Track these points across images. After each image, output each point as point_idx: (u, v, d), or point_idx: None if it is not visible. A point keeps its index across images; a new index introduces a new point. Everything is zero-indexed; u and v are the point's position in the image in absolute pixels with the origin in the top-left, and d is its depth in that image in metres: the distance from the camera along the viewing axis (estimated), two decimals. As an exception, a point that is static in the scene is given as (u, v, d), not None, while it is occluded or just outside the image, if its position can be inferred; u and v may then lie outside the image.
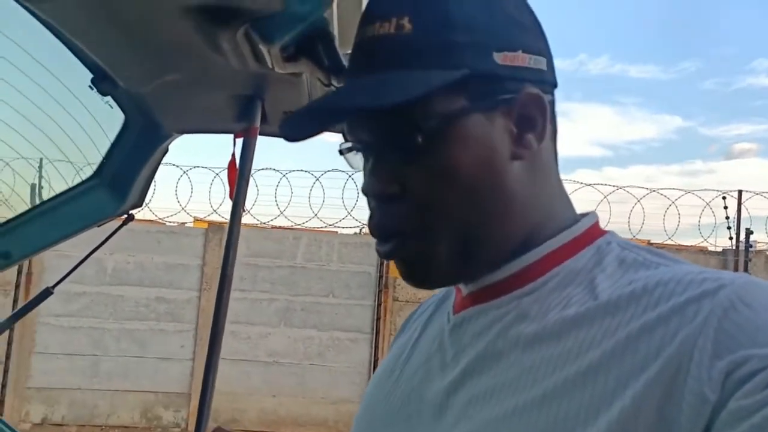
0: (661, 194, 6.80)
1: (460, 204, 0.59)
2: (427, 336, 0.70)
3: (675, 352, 0.48)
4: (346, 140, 0.65)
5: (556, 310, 0.57)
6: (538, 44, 0.62)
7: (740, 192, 6.75)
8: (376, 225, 0.62)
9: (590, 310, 0.55)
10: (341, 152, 0.66)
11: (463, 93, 0.58)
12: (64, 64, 1.16)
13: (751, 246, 6.72)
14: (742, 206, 6.73)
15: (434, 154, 0.58)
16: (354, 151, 0.65)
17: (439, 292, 0.81)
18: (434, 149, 0.58)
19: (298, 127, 0.63)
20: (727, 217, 6.74)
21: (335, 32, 0.88)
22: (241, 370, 6.20)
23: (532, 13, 0.64)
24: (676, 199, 6.72)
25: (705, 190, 6.83)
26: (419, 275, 0.62)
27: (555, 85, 0.65)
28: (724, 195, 6.74)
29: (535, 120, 0.61)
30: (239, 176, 1.23)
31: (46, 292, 1.43)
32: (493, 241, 0.61)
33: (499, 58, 0.58)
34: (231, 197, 1.23)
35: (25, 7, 0.89)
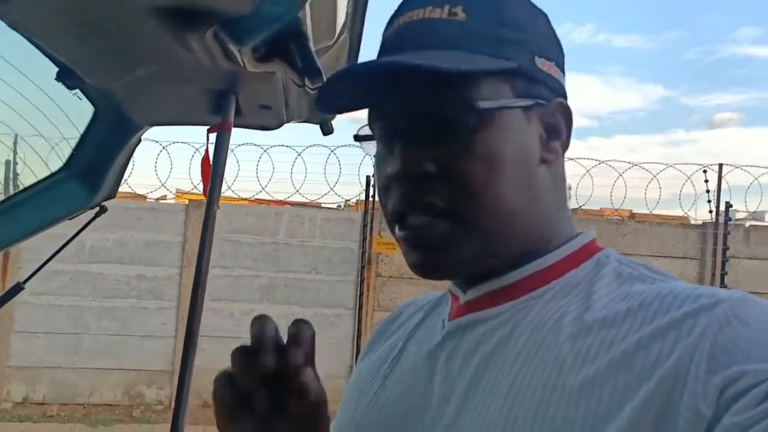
0: (643, 168, 6.84)
1: (496, 192, 0.59)
2: (416, 342, 0.70)
3: (672, 367, 0.49)
4: (369, 125, 0.65)
5: (552, 321, 0.58)
6: (562, 60, 0.66)
7: (720, 165, 6.81)
8: (403, 201, 0.61)
9: (586, 322, 0.55)
10: (358, 138, 0.67)
11: (510, 86, 0.60)
12: (30, 54, 1.12)
13: (730, 219, 6.79)
14: (723, 179, 6.79)
15: (479, 138, 0.59)
16: (370, 141, 0.65)
17: (419, 297, 0.81)
18: (480, 133, 0.59)
19: (339, 96, 0.63)
20: (708, 191, 6.80)
21: (309, 32, 0.84)
22: (224, 347, 6.19)
23: (556, 34, 0.67)
24: (657, 173, 6.76)
25: (686, 163, 6.90)
26: (437, 259, 0.61)
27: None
28: (705, 168, 6.79)
29: (561, 129, 0.64)
30: (213, 171, 1.20)
31: (17, 288, 1.40)
32: (514, 237, 0.61)
33: (540, 63, 0.62)
34: (205, 193, 1.20)
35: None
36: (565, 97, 0.65)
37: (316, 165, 6.63)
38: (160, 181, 6.50)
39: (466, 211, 0.59)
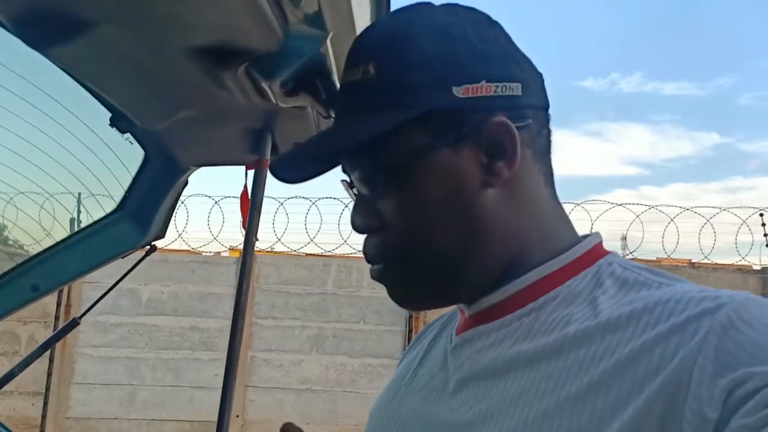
0: (696, 212, 6.69)
1: (433, 234, 0.62)
2: (430, 356, 0.72)
3: (675, 370, 0.49)
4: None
5: (558, 329, 0.58)
6: (508, 71, 0.62)
7: (777, 208, 6.59)
8: (364, 252, 0.66)
9: (591, 328, 0.56)
10: (344, 187, 0.71)
11: (427, 130, 0.61)
12: (85, 103, 1.23)
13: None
14: (780, 222, 6.56)
15: (403, 189, 0.62)
16: (352, 188, 0.70)
17: (445, 313, 0.82)
18: (402, 184, 0.62)
19: (288, 170, 0.68)
20: (766, 235, 6.58)
21: (332, 66, 0.92)
22: (274, 398, 6.23)
23: (502, 39, 0.65)
24: (711, 217, 6.59)
25: (741, 207, 6.69)
26: (402, 297, 0.67)
27: (542, 106, 0.66)
28: (762, 212, 6.59)
29: (504, 147, 0.61)
30: (251, 206, 1.27)
31: (73, 323, 1.49)
32: (472, 267, 0.63)
33: (459, 91, 0.60)
34: (244, 227, 1.27)
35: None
36: (515, 107, 0.62)
37: (363, 216, 6.67)
38: (212, 234, 6.70)
39: (411, 257, 0.63)
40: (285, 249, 6.72)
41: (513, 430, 0.55)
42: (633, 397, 0.49)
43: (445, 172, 0.61)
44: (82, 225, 1.61)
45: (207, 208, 6.65)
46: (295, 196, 6.64)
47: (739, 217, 6.58)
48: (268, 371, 6.21)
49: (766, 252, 6.59)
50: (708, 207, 6.73)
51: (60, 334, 1.47)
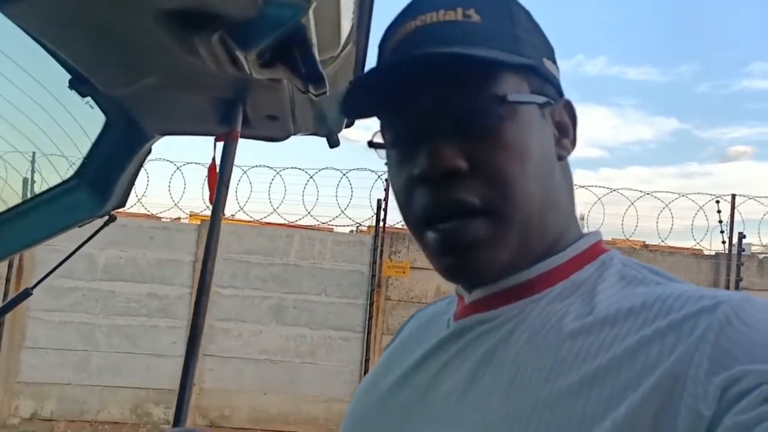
0: (655, 197, 6.81)
1: (528, 187, 0.59)
2: (423, 341, 0.70)
3: (671, 367, 0.49)
4: (382, 131, 0.66)
5: (554, 320, 0.58)
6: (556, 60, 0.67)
7: (734, 196, 6.76)
8: (434, 202, 0.60)
9: (587, 322, 0.56)
10: (371, 144, 0.66)
11: (527, 83, 0.61)
12: (45, 64, 1.15)
13: (743, 250, 6.73)
14: (736, 210, 6.74)
15: (509, 132, 0.59)
16: (388, 146, 0.65)
17: (434, 302, 0.82)
18: (509, 127, 0.59)
19: (363, 100, 0.64)
20: (720, 221, 6.75)
21: (313, 38, 0.86)
22: (232, 367, 6.19)
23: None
24: (669, 202, 6.72)
25: (699, 193, 6.86)
26: (473, 262, 0.60)
27: None
28: (718, 199, 6.75)
29: (569, 127, 0.66)
30: (219, 179, 1.21)
31: (25, 293, 1.42)
32: (545, 230, 0.62)
33: (546, 63, 0.64)
34: (211, 201, 1.22)
35: None
36: (562, 94, 0.68)
37: (328, 188, 6.64)
38: (173, 200, 6.56)
39: (501, 208, 0.59)
40: (247, 218, 6.63)
41: (504, 419, 0.54)
42: (628, 392, 0.49)
43: (540, 129, 0.62)
44: (36, 189, 1.53)
45: (168, 173, 6.51)
46: (259, 165, 6.54)
47: (696, 203, 6.74)
48: (227, 341, 6.16)
49: (720, 238, 6.76)
50: (667, 192, 6.86)
51: (10, 305, 1.40)
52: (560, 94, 0.66)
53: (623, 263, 0.63)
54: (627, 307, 0.55)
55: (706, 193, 6.81)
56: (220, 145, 1.22)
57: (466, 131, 0.59)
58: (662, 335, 0.51)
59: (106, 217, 1.51)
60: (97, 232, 1.46)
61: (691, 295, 0.53)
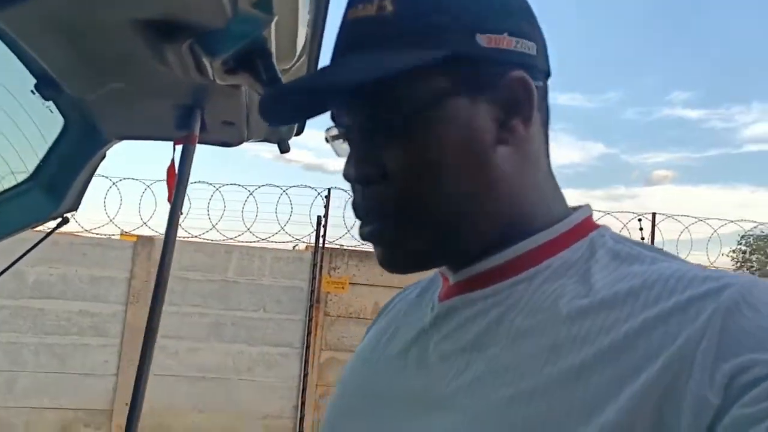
0: (583, 215, 7.13)
1: (441, 188, 0.57)
2: (409, 323, 0.68)
3: (676, 353, 0.47)
4: (334, 124, 0.63)
5: (549, 302, 0.56)
6: (526, 28, 0.60)
7: (654, 214, 7.17)
8: (356, 206, 0.61)
9: (585, 303, 0.53)
10: (327, 139, 0.64)
11: (447, 75, 0.57)
12: (1, 67, 1.20)
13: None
14: (656, 228, 7.14)
15: (416, 136, 0.57)
16: (341, 139, 0.63)
17: (422, 278, 0.78)
18: (416, 131, 0.57)
19: (278, 109, 0.62)
20: (643, 239, 7.14)
21: (273, 48, 0.97)
22: (167, 385, 6.08)
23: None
24: (597, 220, 7.05)
25: (622, 212, 7.24)
26: (396, 260, 0.61)
27: (548, 74, 0.64)
28: (640, 217, 7.14)
29: (521, 104, 0.59)
30: (178, 181, 1.29)
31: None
32: (475, 228, 0.59)
33: (483, 40, 0.57)
34: (169, 200, 1.29)
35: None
36: (530, 66, 0.60)
37: (268, 204, 6.67)
38: (108, 216, 6.44)
39: (414, 214, 0.58)
40: (186, 234, 6.58)
41: (498, 406, 0.52)
42: (630, 378, 0.47)
43: (461, 123, 0.57)
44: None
45: (104, 188, 6.39)
46: (199, 181, 6.51)
47: (621, 221, 7.11)
48: (163, 358, 6.05)
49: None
50: (594, 211, 7.20)
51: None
52: (520, 63, 0.59)
53: (615, 240, 0.60)
54: (626, 288, 0.52)
55: (629, 212, 7.21)
56: (179, 149, 1.30)
57: (372, 141, 0.59)
58: (665, 319, 0.49)
59: (59, 220, 1.55)
60: (51, 232, 1.50)
61: (695, 275, 0.51)
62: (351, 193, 0.63)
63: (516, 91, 0.59)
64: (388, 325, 0.72)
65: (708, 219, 7.10)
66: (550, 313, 0.55)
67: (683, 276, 0.51)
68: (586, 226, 0.63)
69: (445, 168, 0.57)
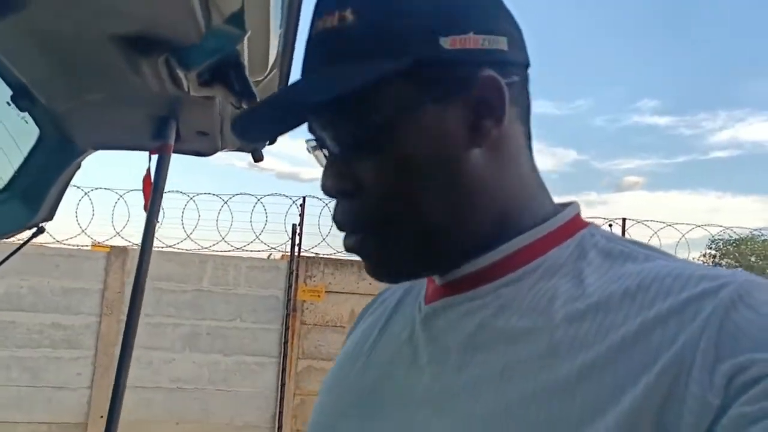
0: (555, 221, 7.24)
1: (416, 197, 0.57)
2: (395, 324, 0.68)
3: (675, 354, 0.46)
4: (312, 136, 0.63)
5: (543, 304, 0.55)
6: (495, 24, 0.58)
7: (624, 219, 7.32)
8: (335, 221, 0.61)
9: (580, 306, 0.53)
10: (309, 149, 0.64)
11: (412, 82, 0.56)
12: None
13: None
14: (626, 233, 7.29)
15: (385, 148, 0.57)
16: (320, 149, 0.63)
17: (399, 285, 0.77)
18: (386, 142, 0.56)
19: (250, 126, 0.62)
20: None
21: (245, 62, 1.01)
22: (141, 397, 6.03)
23: None
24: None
25: (594, 217, 7.35)
26: (382, 271, 0.61)
27: (526, 64, 0.62)
28: (611, 223, 7.29)
29: (492, 104, 0.57)
30: (153, 190, 1.32)
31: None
32: (456, 233, 0.58)
33: (446, 42, 0.55)
34: (145, 209, 1.31)
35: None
36: (502, 63, 0.58)
37: (243, 213, 6.66)
38: (80, 227, 6.39)
39: (392, 224, 0.58)
40: (160, 244, 6.54)
41: (491, 412, 0.52)
42: (630, 382, 0.47)
43: (430, 130, 0.56)
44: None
45: (76, 199, 6.34)
46: (172, 191, 6.49)
47: (592, 227, 7.24)
48: (137, 369, 6.00)
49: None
50: (566, 217, 7.32)
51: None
52: (490, 61, 0.57)
53: (606, 238, 0.59)
54: (622, 290, 0.52)
55: (600, 217, 7.34)
56: (154, 158, 1.33)
57: (346, 152, 0.59)
58: (663, 320, 0.48)
59: (34, 229, 1.56)
60: (27, 241, 1.51)
61: (691, 274, 0.50)
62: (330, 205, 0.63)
63: (486, 91, 0.57)
64: (372, 325, 0.71)
65: (676, 224, 7.28)
66: (546, 316, 0.54)
67: (679, 275, 0.51)
68: (574, 223, 0.61)
69: (418, 177, 0.57)
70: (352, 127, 0.57)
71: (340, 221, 0.60)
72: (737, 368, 0.44)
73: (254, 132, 0.64)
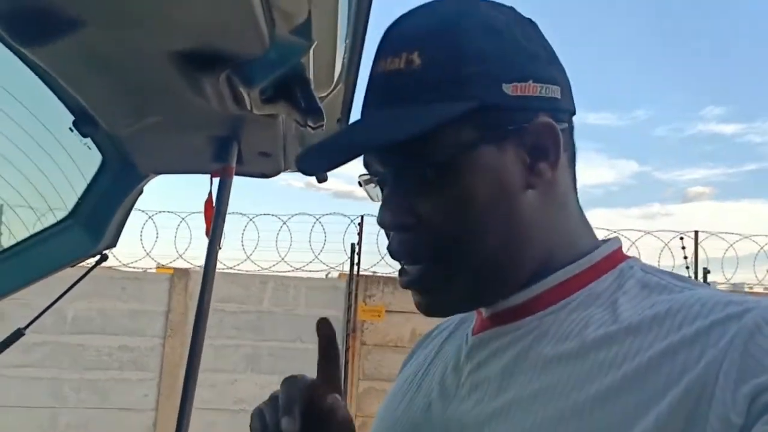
0: (623, 235, 6.99)
1: (474, 234, 0.60)
2: (443, 356, 0.71)
3: (699, 375, 0.48)
4: (367, 171, 0.66)
5: (576, 331, 0.57)
6: (551, 72, 0.62)
7: (696, 232, 6.98)
8: (392, 254, 0.63)
9: (611, 331, 0.55)
10: (360, 183, 0.68)
11: (474, 124, 0.59)
12: (40, 105, 1.20)
13: (708, 285, 6.90)
14: (699, 246, 6.95)
15: (447, 186, 0.59)
16: (373, 184, 0.66)
17: (452, 318, 0.81)
18: (447, 180, 0.59)
19: (314, 162, 0.64)
20: (686, 257, 6.95)
21: (311, 76, 0.94)
22: (206, 420, 6.06)
23: (543, 41, 0.65)
24: (636, 240, 6.90)
25: (663, 231, 7.05)
26: (435, 304, 0.64)
27: (573, 112, 0.66)
28: (682, 236, 6.96)
29: (547, 149, 0.61)
30: (215, 214, 1.27)
31: (18, 333, 1.43)
32: (508, 269, 0.61)
33: (508, 89, 0.59)
34: (207, 234, 1.27)
35: (11, 49, 0.93)
36: (556, 110, 0.62)
37: (302, 233, 6.67)
38: (145, 250, 6.52)
39: (451, 257, 0.60)
40: (220, 266, 6.61)
41: (532, 429, 0.54)
42: (655, 402, 0.49)
43: (490, 170, 0.60)
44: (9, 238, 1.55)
45: (140, 222, 6.48)
46: (232, 213, 6.56)
47: (662, 240, 6.93)
48: (200, 391, 6.01)
49: (686, 274, 6.93)
50: (632, 230, 7.05)
51: (3, 346, 1.41)
52: (546, 108, 0.61)
53: (644, 270, 0.62)
54: (651, 315, 0.54)
55: (670, 230, 7.03)
56: (216, 181, 1.28)
57: (407, 190, 0.61)
58: (689, 343, 0.50)
59: (98, 257, 1.54)
60: (91, 269, 1.49)
61: (718, 300, 0.52)
62: (387, 239, 0.65)
63: (542, 136, 0.61)
64: (425, 358, 0.75)
65: (753, 236, 6.88)
66: (578, 341, 0.56)
67: (707, 302, 0.53)
68: (615, 257, 0.64)
69: (478, 215, 0.59)
70: (415, 164, 0.60)
71: (397, 251, 0.63)
72: (760, 389, 0.45)
73: (318, 166, 0.65)
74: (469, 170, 0.59)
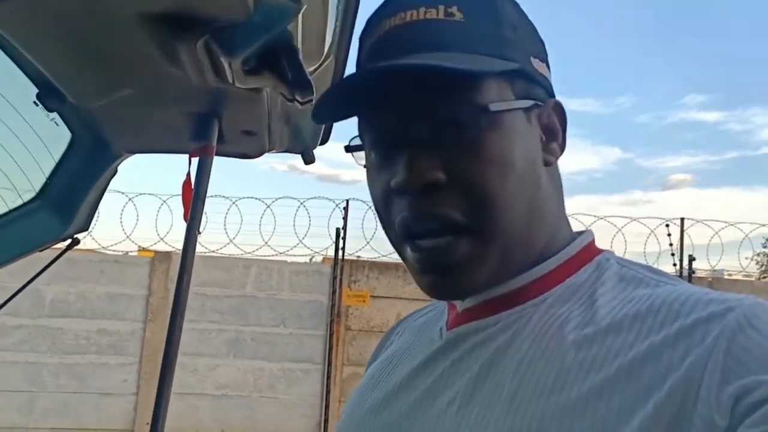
0: (609, 221, 6.97)
1: (506, 199, 0.56)
2: (416, 350, 0.68)
3: (683, 376, 0.47)
4: (360, 134, 0.62)
5: (554, 329, 0.56)
6: (547, 56, 0.64)
7: (682, 220, 6.98)
8: (414, 216, 0.57)
9: (591, 329, 0.54)
10: (348, 149, 0.63)
11: (511, 88, 0.58)
12: (1, 77, 1.10)
13: (693, 272, 6.92)
14: (685, 233, 6.95)
15: (490, 142, 0.56)
16: (364, 150, 0.62)
17: (421, 309, 0.79)
18: (491, 137, 0.56)
19: (337, 105, 0.60)
20: (671, 244, 6.95)
21: (299, 46, 0.85)
22: (188, 404, 5.99)
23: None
24: (622, 227, 6.89)
25: (650, 217, 7.04)
26: (456, 282, 0.58)
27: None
28: (668, 223, 6.95)
29: (557, 130, 0.62)
30: (194, 196, 1.18)
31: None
32: (531, 241, 0.60)
33: (535, 63, 0.60)
34: (185, 218, 1.18)
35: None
36: (553, 94, 0.64)
37: (285, 217, 6.58)
38: (125, 233, 6.38)
39: (484, 225, 0.56)
40: (203, 249, 6.50)
41: (508, 430, 0.52)
42: (639, 403, 0.47)
43: (524, 136, 0.59)
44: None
45: (120, 205, 6.34)
46: (215, 195, 6.43)
47: (648, 227, 6.93)
48: (182, 376, 5.96)
49: (671, 261, 6.96)
50: (619, 216, 7.03)
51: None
52: (550, 94, 0.63)
53: (620, 264, 0.61)
54: (632, 313, 0.53)
55: (657, 217, 7.02)
56: (195, 161, 1.19)
57: (445, 142, 0.56)
58: (672, 343, 0.49)
59: (69, 241, 1.45)
60: (60, 254, 1.40)
61: (699, 298, 0.52)
62: (386, 206, 0.60)
63: (554, 117, 0.62)
64: (395, 351, 0.72)
65: (738, 223, 6.89)
66: (557, 339, 0.55)
67: (687, 299, 0.52)
68: (591, 250, 0.63)
69: (510, 177, 0.57)
70: (464, 115, 0.56)
71: (423, 215, 0.56)
72: (743, 390, 0.44)
73: (339, 111, 0.61)
74: (509, 131, 0.57)
